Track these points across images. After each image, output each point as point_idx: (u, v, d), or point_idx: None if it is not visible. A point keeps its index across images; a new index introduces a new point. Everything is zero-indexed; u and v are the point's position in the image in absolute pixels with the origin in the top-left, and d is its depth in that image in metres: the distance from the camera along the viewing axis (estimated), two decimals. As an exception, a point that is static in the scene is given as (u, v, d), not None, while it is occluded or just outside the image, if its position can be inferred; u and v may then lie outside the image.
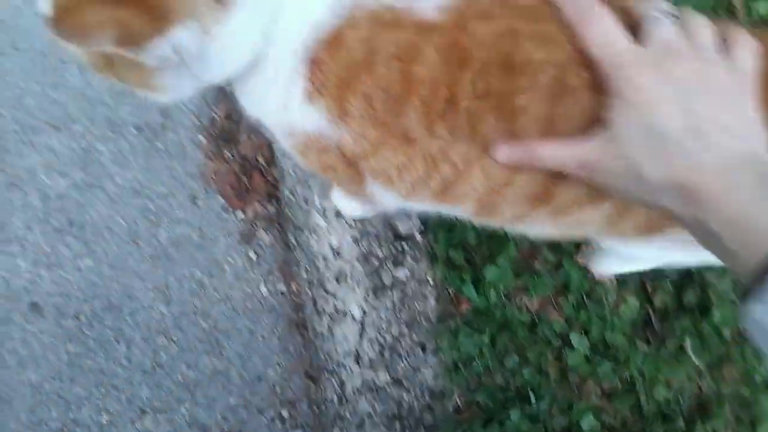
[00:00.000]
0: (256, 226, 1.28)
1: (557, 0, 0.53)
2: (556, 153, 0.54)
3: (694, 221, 0.48)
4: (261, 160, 1.28)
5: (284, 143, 0.68)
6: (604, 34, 0.50)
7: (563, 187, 0.61)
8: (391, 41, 0.57)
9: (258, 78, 0.62)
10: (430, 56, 0.56)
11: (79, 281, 1.26)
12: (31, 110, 1.28)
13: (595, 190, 0.58)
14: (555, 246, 1.08)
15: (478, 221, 0.72)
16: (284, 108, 0.62)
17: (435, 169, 0.62)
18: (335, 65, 0.58)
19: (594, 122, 0.53)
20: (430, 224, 1.10)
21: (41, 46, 1.29)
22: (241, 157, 1.28)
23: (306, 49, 0.58)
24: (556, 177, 0.59)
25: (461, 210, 0.68)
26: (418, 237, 1.10)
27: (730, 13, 1.12)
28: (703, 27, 0.51)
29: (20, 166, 1.27)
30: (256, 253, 1.27)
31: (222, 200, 1.28)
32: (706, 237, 0.48)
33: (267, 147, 1.27)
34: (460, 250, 1.07)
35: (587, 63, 0.52)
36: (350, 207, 1.04)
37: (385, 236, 1.11)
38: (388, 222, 1.11)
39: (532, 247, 1.07)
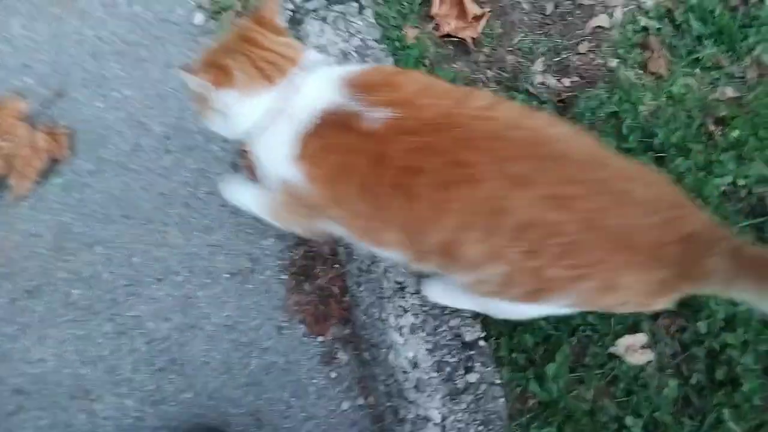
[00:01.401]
0: (335, 347, 1.47)
1: None
2: None
3: None
4: (335, 289, 1.51)
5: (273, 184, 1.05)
6: None
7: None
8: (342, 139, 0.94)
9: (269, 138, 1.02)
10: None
11: (181, 413, 1.42)
12: (138, 267, 1.53)
13: None
14: (601, 341, 1.29)
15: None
16: (278, 161, 1.00)
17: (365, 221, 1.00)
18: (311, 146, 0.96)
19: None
20: (493, 332, 1.31)
21: (148, 215, 1.56)
22: (318, 289, 1.51)
23: (298, 131, 0.97)
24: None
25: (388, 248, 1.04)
26: (483, 343, 1.30)
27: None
28: None
29: (128, 315, 1.49)
30: (335, 372, 1.46)
31: (303, 328, 1.49)
32: None
33: (340, 278, 1.51)
34: (521, 352, 1.27)
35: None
36: (440, 295, 1.30)
37: (454, 345, 1.31)
38: (455, 332, 1.31)
39: (582, 344, 1.28)
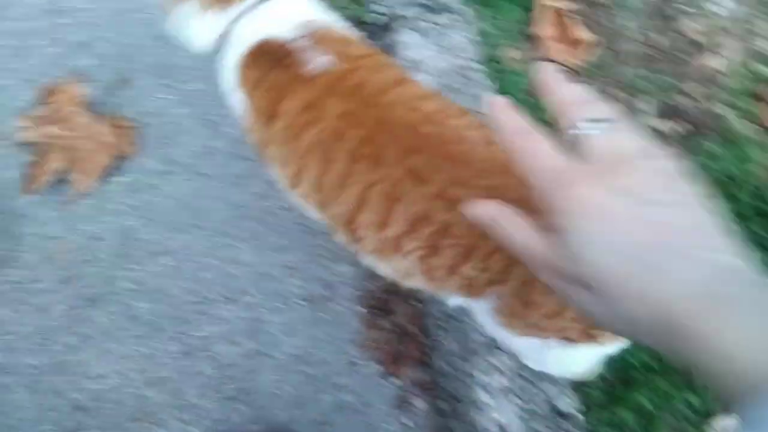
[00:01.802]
0: (411, 393, 1.42)
1: (495, 122, 0.50)
2: (522, 232, 0.50)
3: (671, 352, 0.42)
4: (414, 329, 1.44)
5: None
6: (540, 158, 0.46)
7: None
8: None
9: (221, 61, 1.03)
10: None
11: (247, 445, 1.37)
12: (208, 283, 1.43)
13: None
14: (698, 420, 1.25)
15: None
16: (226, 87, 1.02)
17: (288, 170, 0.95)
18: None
19: None
20: (589, 403, 1.25)
21: (219, 226, 1.46)
22: (396, 326, 1.44)
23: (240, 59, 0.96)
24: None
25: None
26: (579, 416, 1.25)
27: None
28: (632, 132, 0.46)
29: (195, 336, 1.41)
30: (410, 420, 1.40)
31: (378, 367, 1.42)
32: (685, 364, 0.42)
33: (420, 317, 1.44)
34: (617, 429, 1.23)
35: None
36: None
37: (548, 414, 1.26)
38: (549, 401, 1.26)
39: (679, 422, 1.24)
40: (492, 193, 0.71)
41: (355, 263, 1.48)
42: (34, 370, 1.33)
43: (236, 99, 1.01)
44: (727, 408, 0.41)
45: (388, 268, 0.96)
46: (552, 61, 1.51)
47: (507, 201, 0.55)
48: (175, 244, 1.44)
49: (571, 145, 0.46)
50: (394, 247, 0.87)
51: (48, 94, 1.45)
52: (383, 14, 1.51)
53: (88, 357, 1.37)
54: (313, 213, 1.02)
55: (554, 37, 1.53)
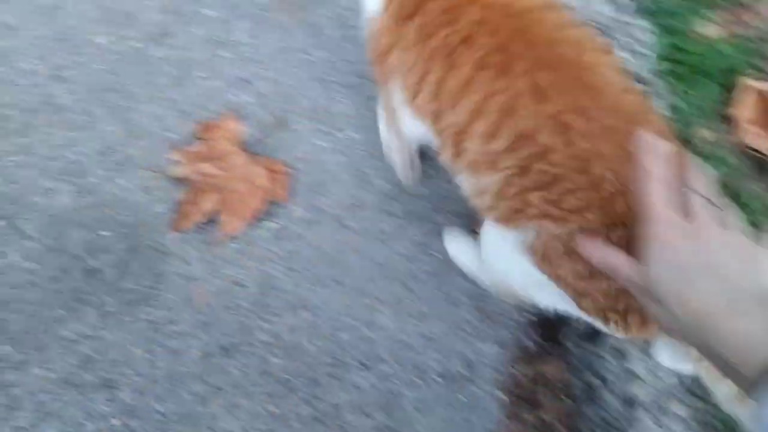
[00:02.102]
0: (553, 499, 1.29)
1: (640, 146, 0.64)
2: (617, 262, 0.67)
3: (704, 347, 0.59)
4: (562, 428, 1.31)
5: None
6: (656, 200, 0.62)
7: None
8: None
9: None
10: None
11: None
12: (344, 345, 1.35)
13: None
14: None
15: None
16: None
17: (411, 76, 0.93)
18: None
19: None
20: None
21: (360, 284, 1.38)
22: (542, 423, 1.32)
23: None
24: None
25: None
26: None
27: None
28: (731, 214, 0.63)
29: (327, 402, 1.33)
30: None
31: (518, 464, 1.31)
32: (710, 354, 0.59)
33: (572, 417, 1.31)
34: None
35: None
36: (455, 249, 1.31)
37: None
38: None
39: None
40: (607, 134, 0.76)
41: (501, 342, 1.37)
42: (161, 417, 1.28)
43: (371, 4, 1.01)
44: (746, 394, 0.55)
45: (471, 185, 0.94)
46: (748, 146, 1.37)
47: (617, 147, 0.74)
48: (314, 298, 1.37)
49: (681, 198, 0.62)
50: (492, 162, 0.86)
51: (204, 129, 1.42)
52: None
53: (217, 410, 1.31)
54: (422, 130, 1.00)
55: (753, 121, 1.39)
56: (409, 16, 0.91)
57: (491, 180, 0.88)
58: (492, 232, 0.93)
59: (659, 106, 1.36)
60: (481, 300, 1.40)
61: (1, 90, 1.42)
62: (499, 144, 0.84)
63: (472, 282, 1.40)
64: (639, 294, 0.65)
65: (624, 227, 0.75)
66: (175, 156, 1.39)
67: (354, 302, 1.38)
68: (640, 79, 1.36)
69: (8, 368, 1.28)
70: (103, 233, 1.35)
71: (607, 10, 1.42)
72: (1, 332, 1.29)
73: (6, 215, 1.35)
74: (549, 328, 1.40)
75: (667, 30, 1.44)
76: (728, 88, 1.41)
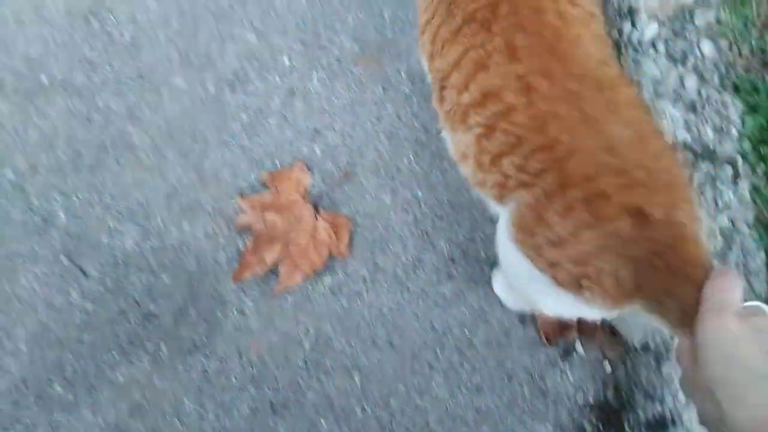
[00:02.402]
0: None
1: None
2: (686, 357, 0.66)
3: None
4: None
5: None
6: (725, 314, 0.62)
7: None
8: None
9: None
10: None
11: None
12: (394, 412, 1.31)
13: None
14: None
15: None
16: None
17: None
18: None
19: None
20: None
21: (415, 349, 1.34)
22: None
23: None
24: None
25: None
26: None
27: None
28: None
29: (376, 469, 1.29)
30: None
31: None
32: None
33: None
34: None
35: None
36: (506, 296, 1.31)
37: None
38: None
39: None
40: (568, 98, 0.79)
41: (558, 424, 1.31)
42: (207, 470, 1.26)
43: None
44: None
45: (453, 146, 0.98)
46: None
47: (576, 110, 0.78)
48: (367, 360, 1.33)
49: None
50: (462, 117, 0.91)
51: (272, 178, 1.41)
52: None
53: (262, 469, 1.28)
54: (425, 66, 1.06)
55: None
56: None
57: (465, 139, 0.92)
58: (503, 237, 0.92)
59: (741, 186, 1.30)
60: (539, 376, 1.34)
61: (76, 125, 1.44)
62: (467, 98, 0.88)
63: (531, 354, 1.34)
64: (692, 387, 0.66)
65: (577, 188, 0.77)
66: (242, 204, 1.39)
67: (407, 368, 1.34)
68: (726, 159, 1.30)
69: (58, 409, 1.27)
70: (164, 278, 1.35)
71: (692, 83, 1.37)
72: (55, 371, 1.29)
73: (69, 252, 1.36)
74: (610, 412, 1.33)
75: (753, 108, 1.38)
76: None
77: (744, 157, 1.34)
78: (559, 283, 0.83)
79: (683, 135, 1.33)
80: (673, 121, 1.34)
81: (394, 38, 1.53)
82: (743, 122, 1.36)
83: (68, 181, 1.41)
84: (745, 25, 1.43)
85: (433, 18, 0.96)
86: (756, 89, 1.40)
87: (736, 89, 1.39)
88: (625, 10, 1.45)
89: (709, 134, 1.34)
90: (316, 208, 1.40)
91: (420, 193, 1.44)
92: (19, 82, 1.46)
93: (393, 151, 1.46)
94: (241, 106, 1.47)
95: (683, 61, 1.38)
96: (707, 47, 1.39)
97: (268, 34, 1.52)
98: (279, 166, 1.45)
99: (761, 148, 1.36)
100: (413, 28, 1.53)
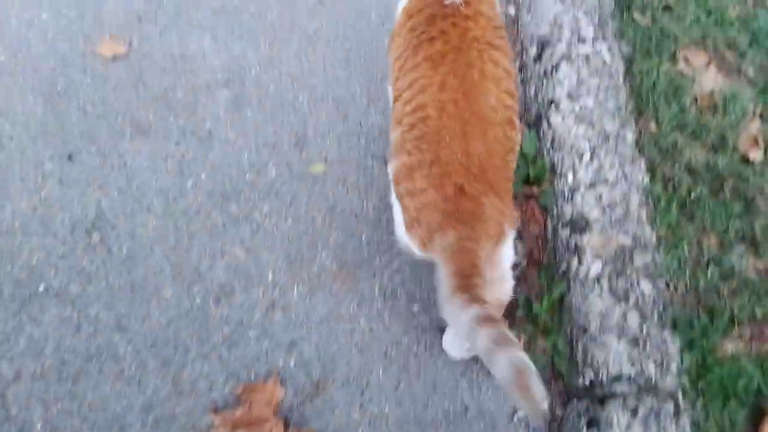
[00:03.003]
0: None
1: None
2: None
3: None
4: None
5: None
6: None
7: None
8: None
9: None
10: None
11: None
12: None
13: None
14: None
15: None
16: None
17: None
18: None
19: None
20: None
21: None
22: None
23: None
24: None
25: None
26: None
27: None
28: None
29: None
30: None
31: None
32: None
33: None
34: None
35: None
36: (453, 347, 1.56)
37: None
38: None
39: None
40: (461, 120, 1.25)
41: None
42: None
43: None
44: None
45: (392, 139, 1.37)
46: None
47: (462, 127, 1.25)
48: None
49: None
50: (400, 118, 1.33)
51: (246, 390, 1.49)
52: (591, 384, 1.48)
53: None
54: (390, 88, 1.46)
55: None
56: (410, 16, 1.41)
57: (397, 132, 1.33)
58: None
59: (683, 421, 1.40)
60: None
61: (66, 333, 1.53)
62: (408, 108, 1.31)
63: None
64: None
65: (437, 166, 1.22)
66: (215, 419, 1.45)
67: None
68: (657, 392, 1.42)
69: None
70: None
71: (634, 319, 1.53)
72: None
73: (43, 466, 1.38)
74: None
75: (690, 344, 1.53)
76: (756, 412, 1.45)
77: (684, 392, 1.46)
78: (405, 221, 1.31)
79: (628, 369, 1.46)
80: (618, 356, 1.48)
81: (369, 257, 1.69)
82: (682, 358, 1.50)
83: (50, 389, 1.46)
84: (680, 265, 1.63)
85: (403, 53, 1.38)
86: (692, 326, 1.56)
87: (675, 325, 1.55)
88: (572, 247, 1.64)
89: (651, 369, 1.47)
90: (286, 423, 1.46)
91: (387, 408, 1.52)
92: (16, 289, 1.57)
93: (363, 365, 1.56)
94: (224, 318, 1.58)
95: (626, 298, 1.55)
96: (646, 286, 1.57)
97: (256, 251, 1.67)
98: (254, 377, 1.53)
99: (699, 383, 1.49)
100: (387, 249, 1.70)
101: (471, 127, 1.24)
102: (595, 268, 1.59)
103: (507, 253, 1.32)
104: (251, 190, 1.75)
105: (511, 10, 2.17)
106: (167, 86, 1.87)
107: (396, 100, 1.37)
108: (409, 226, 1.29)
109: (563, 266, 1.66)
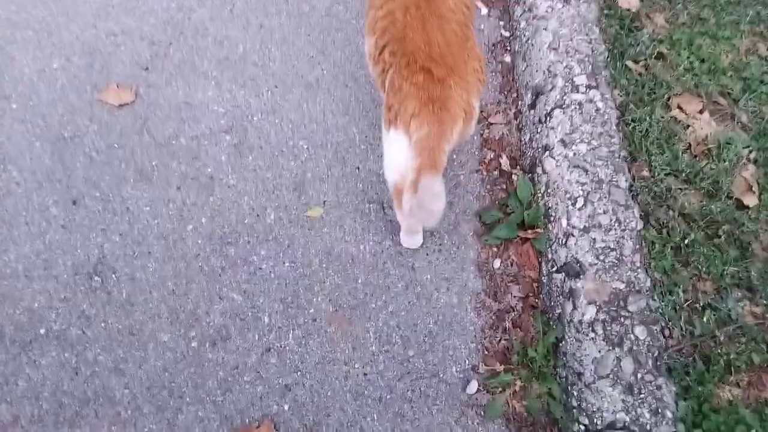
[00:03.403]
0: None
1: None
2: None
3: None
4: None
5: None
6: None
7: None
8: None
9: None
10: None
11: None
12: None
13: None
14: None
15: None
16: None
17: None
18: None
19: None
20: None
21: None
22: None
23: None
24: None
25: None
26: None
27: None
28: None
29: None
30: None
31: None
32: None
33: None
34: None
35: None
36: (406, 240, 1.81)
37: None
38: None
39: None
40: (422, 20, 1.48)
41: None
42: None
43: None
44: None
45: (367, 47, 1.65)
46: None
47: (422, 26, 1.48)
48: None
49: None
50: (373, 25, 1.58)
51: (240, 436, 1.49)
52: (586, 430, 1.47)
53: None
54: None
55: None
56: None
57: (371, 41, 1.59)
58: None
59: None
60: None
61: (64, 376, 1.55)
62: (380, 13, 1.54)
63: None
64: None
65: (407, 56, 1.46)
66: (207, 465, 1.45)
67: None
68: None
69: None
70: None
71: (628, 365, 1.52)
72: None
73: None
74: None
75: (686, 391, 1.52)
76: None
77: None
78: (386, 116, 1.51)
79: (623, 416, 1.45)
80: (612, 402, 1.47)
81: (365, 300, 1.71)
82: (677, 405, 1.49)
83: (45, 434, 1.48)
84: (675, 310, 1.63)
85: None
86: (688, 372, 1.55)
87: (670, 372, 1.54)
88: (567, 291, 1.65)
89: (646, 416, 1.45)
90: (280, 470, 1.46)
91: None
92: (17, 333, 1.59)
93: (357, 410, 1.56)
94: (220, 362, 1.60)
95: (620, 343, 1.55)
96: (641, 331, 1.56)
97: (253, 295, 1.70)
98: (248, 422, 1.53)
99: (696, 432, 1.47)
100: (383, 292, 1.72)
101: (430, 23, 1.48)
102: (590, 312, 1.60)
103: (473, 124, 1.60)
104: (250, 233, 1.78)
105: (507, 58, 2.23)
106: (171, 133, 1.93)
107: (369, 8, 1.63)
108: (393, 120, 1.49)
109: (558, 310, 1.67)
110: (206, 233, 1.77)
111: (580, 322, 1.60)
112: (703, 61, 2.07)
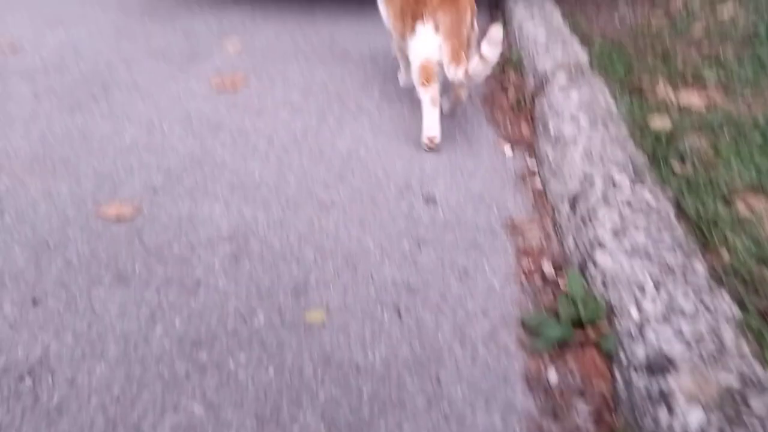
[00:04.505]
0: None
1: None
2: None
3: None
4: None
5: None
6: None
7: None
8: None
9: None
10: None
11: None
12: None
13: None
14: None
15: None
16: None
17: None
18: None
19: None
20: None
21: None
22: None
23: None
24: None
25: None
26: None
27: None
28: None
29: None
30: None
31: None
32: None
33: None
34: None
35: None
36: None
37: None
38: None
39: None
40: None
41: None
42: None
43: None
44: None
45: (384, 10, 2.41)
46: None
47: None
48: None
49: None
50: None
51: None
52: None
53: None
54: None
55: None
56: None
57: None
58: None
59: None
60: None
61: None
62: None
63: None
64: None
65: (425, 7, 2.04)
66: None
67: None
68: None
69: None
70: None
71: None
72: None
73: None
74: None
75: None
76: None
77: None
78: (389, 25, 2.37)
79: None
80: None
81: (371, 419, 1.24)
82: None
83: None
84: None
85: None
86: None
87: None
88: (656, 394, 1.16)
89: None
90: None
91: None
92: None
93: None
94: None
95: (754, 456, 1.00)
96: (782, 441, 1.03)
97: (219, 407, 1.26)
98: None
99: None
100: (396, 409, 1.25)
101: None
102: (696, 417, 1.08)
103: (475, 25, 2.13)
104: (230, 337, 1.42)
105: (538, 183, 2.07)
106: (164, 241, 1.73)
107: None
108: (421, 17, 2.04)
109: (648, 422, 1.14)
110: (177, 336, 1.42)
111: (684, 430, 1.07)
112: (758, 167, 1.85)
